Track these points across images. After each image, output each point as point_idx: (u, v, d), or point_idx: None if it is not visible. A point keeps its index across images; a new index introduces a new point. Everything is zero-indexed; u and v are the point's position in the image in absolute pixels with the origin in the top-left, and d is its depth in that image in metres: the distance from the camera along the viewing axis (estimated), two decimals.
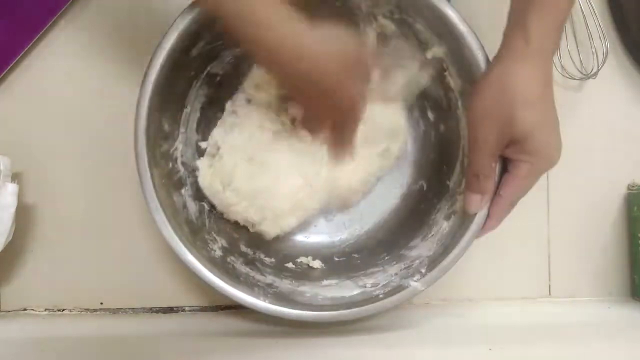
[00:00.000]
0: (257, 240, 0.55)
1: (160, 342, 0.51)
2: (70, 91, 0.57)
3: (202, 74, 0.52)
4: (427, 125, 0.56)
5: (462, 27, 0.48)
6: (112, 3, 0.57)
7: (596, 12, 0.57)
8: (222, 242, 0.52)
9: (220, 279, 0.47)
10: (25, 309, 0.57)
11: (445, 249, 0.49)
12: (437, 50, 0.51)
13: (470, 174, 0.47)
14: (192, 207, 0.52)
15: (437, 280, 0.48)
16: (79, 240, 0.56)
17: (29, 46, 0.55)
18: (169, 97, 0.49)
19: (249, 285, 0.48)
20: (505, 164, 0.46)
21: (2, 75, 0.55)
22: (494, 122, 0.44)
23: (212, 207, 0.54)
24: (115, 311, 0.57)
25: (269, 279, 0.51)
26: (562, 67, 0.58)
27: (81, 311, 0.57)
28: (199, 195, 0.53)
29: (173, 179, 0.51)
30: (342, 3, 0.51)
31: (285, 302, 0.48)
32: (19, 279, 0.56)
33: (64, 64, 0.56)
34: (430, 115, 0.56)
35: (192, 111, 0.53)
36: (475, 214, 0.47)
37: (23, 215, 0.54)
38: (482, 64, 0.48)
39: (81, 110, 0.57)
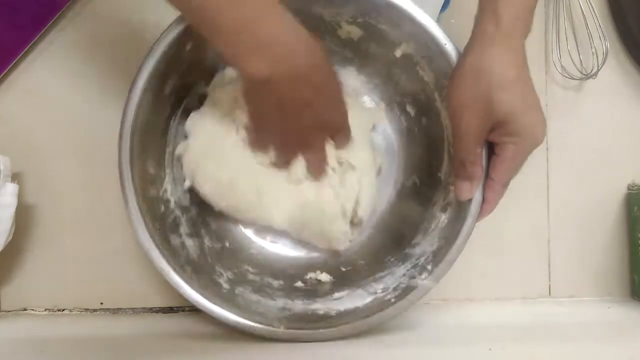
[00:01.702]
0: (263, 263, 0.55)
1: (160, 342, 0.51)
2: (70, 91, 0.57)
3: (178, 110, 0.52)
4: (409, 120, 0.56)
5: (424, 20, 0.48)
6: (112, 3, 0.57)
7: (596, 12, 0.57)
8: (227, 274, 0.52)
9: (231, 312, 0.47)
10: (25, 309, 0.57)
11: (447, 241, 0.49)
12: (405, 47, 0.51)
13: (457, 163, 0.47)
14: (192, 245, 0.51)
15: (445, 274, 0.48)
16: (79, 240, 0.56)
17: (29, 46, 0.55)
18: (149, 140, 0.49)
19: (262, 314, 0.48)
20: (493, 147, 0.47)
21: (2, 75, 0.55)
22: (473, 109, 0.44)
23: (211, 237, 0.54)
24: (115, 311, 0.57)
25: (281, 302, 0.50)
26: (562, 67, 0.58)
27: (81, 311, 0.57)
28: (195, 230, 0.53)
29: (167, 221, 0.50)
30: (306, 15, 0.48)
31: (300, 322, 0.48)
32: (19, 279, 0.56)
33: (64, 64, 0.56)
34: (410, 110, 0.56)
35: (174, 149, 0.53)
36: (470, 203, 0.48)
37: (23, 215, 0.54)
38: (451, 53, 0.48)
39: (81, 110, 0.57)
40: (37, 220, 0.56)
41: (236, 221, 0.55)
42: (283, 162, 0.50)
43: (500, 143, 0.45)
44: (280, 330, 0.47)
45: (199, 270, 0.50)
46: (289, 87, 0.43)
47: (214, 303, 0.47)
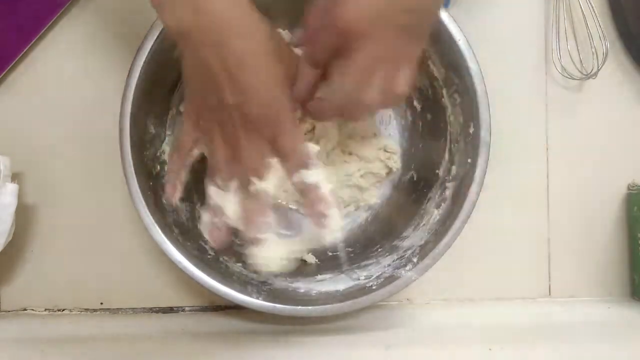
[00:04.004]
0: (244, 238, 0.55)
1: (160, 342, 0.51)
2: (70, 91, 0.57)
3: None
4: (414, 115, 0.57)
5: (442, 15, 0.48)
6: (112, 3, 0.57)
7: (596, 12, 0.57)
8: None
9: (213, 278, 0.47)
10: (25, 309, 0.57)
11: (436, 236, 0.49)
12: None
13: None
14: (182, 209, 0.52)
15: (429, 269, 0.48)
16: (79, 240, 0.56)
17: (29, 46, 0.55)
18: (152, 99, 0.49)
19: (242, 283, 0.49)
20: None
21: (2, 75, 0.55)
22: None
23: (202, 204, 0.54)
24: (115, 311, 0.57)
25: (263, 276, 0.51)
26: (562, 67, 0.58)
27: (81, 311, 0.57)
28: (188, 195, 0.52)
29: (161, 181, 0.51)
30: None
31: (279, 298, 0.48)
32: (19, 279, 0.56)
33: (64, 64, 0.56)
34: (417, 105, 0.56)
35: (177, 113, 0.53)
36: (465, 201, 0.48)
37: (23, 215, 0.54)
38: (464, 50, 0.48)
39: (81, 110, 0.57)
40: (37, 220, 0.56)
41: None
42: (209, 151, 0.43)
43: None
44: (258, 301, 0.47)
45: (186, 233, 0.50)
46: (210, 50, 0.37)
47: (196, 266, 0.47)
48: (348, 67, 0.38)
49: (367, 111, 0.43)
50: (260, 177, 0.41)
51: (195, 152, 0.44)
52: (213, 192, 0.43)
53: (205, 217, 0.45)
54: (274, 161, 0.41)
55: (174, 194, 0.46)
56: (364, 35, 0.37)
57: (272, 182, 0.41)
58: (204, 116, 0.41)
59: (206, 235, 0.45)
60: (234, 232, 0.53)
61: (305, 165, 0.41)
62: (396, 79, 0.40)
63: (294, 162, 0.41)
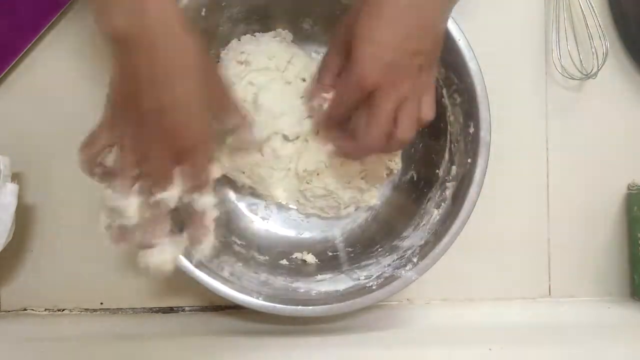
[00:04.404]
0: (250, 238, 0.55)
1: (160, 342, 0.51)
2: (70, 91, 0.57)
3: None
4: None
5: None
6: None
7: (596, 12, 0.57)
8: (214, 242, 0.52)
9: (213, 278, 0.47)
10: (25, 309, 0.57)
11: (436, 236, 0.49)
12: None
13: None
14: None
15: (429, 269, 0.48)
16: (79, 240, 0.56)
17: (29, 46, 0.55)
18: None
19: (243, 283, 0.49)
20: None
21: (2, 75, 0.55)
22: None
23: None
24: (115, 311, 0.57)
25: (263, 276, 0.51)
26: (562, 67, 0.58)
27: (81, 311, 0.57)
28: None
29: None
30: None
31: (279, 298, 0.48)
32: (19, 279, 0.56)
33: (64, 64, 0.56)
34: None
35: None
36: (465, 201, 0.48)
37: (23, 215, 0.55)
38: (464, 50, 0.48)
39: (81, 110, 0.56)
40: (37, 220, 0.56)
41: (235, 189, 0.56)
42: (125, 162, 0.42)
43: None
44: (258, 301, 0.47)
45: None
46: (141, 56, 0.38)
47: (196, 266, 0.47)
48: (376, 116, 0.43)
49: (406, 144, 0.46)
50: (162, 188, 0.41)
51: (104, 153, 0.43)
52: (110, 195, 0.42)
53: (102, 217, 0.43)
54: (177, 171, 0.41)
55: (91, 171, 0.44)
56: (385, 84, 0.42)
57: (173, 194, 0.41)
58: (119, 121, 0.41)
59: (107, 237, 0.43)
60: (234, 233, 0.53)
61: (199, 189, 0.42)
62: (422, 109, 0.44)
63: (191, 183, 0.42)
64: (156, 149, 0.40)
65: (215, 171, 0.44)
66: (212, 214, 0.44)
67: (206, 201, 0.43)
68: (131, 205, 0.41)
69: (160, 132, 0.39)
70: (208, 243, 0.45)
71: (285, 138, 0.52)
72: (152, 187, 0.41)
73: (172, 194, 0.41)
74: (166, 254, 0.44)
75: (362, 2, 0.42)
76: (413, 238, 0.52)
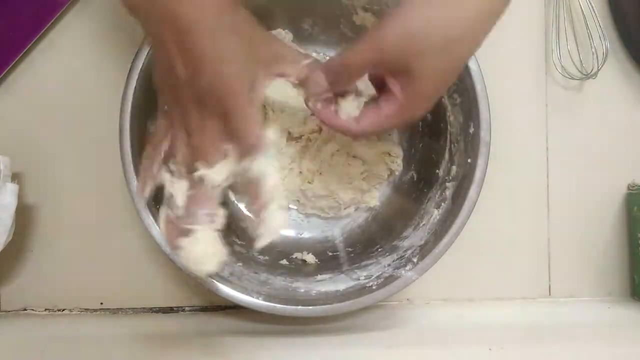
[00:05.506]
0: (250, 237, 0.55)
1: (160, 342, 0.51)
2: (70, 91, 0.57)
3: None
4: None
5: None
6: (112, 3, 0.57)
7: (596, 12, 0.57)
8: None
9: (213, 278, 0.47)
10: (25, 309, 0.57)
11: (436, 236, 0.49)
12: None
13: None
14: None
15: (429, 269, 0.48)
16: (79, 240, 0.56)
17: (29, 46, 0.55)
18: (152, 99, 0.48)
19: (242, 283, 0.49)
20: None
21: (2, 75, 0.55)
22: None
23: None
24: (115, 311, 0.57)
25: (263, 276, 0.51)
26: (562, 67, 0.58)
27: (81, 311, 0.57)
28: None
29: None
30: None
31: (279, 298, 0.48)
32: (19, 279, 0.56)
33: (64, 64, 0.56)
34: None
35: None
36: (465, 201, 0.48)
37: (23, 215, 0.54)
38: None
39: (81, 110, 0.57)
40: (37, 220, 0.56)
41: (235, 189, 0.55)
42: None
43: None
44: (258, 301, 0.47)
45: None
46: (161, 23, 0.35)
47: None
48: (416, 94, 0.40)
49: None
50: (208, 161, 0.38)
51: (165, 145, 0.40)
52: (167, 180, 0.39)
53: (162, 210, 0.40)
54: (230, 148, 0.38)
55: (143, 189, 0.41)
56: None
57: (219, 170, 0.38)
58: (167, 100, 0.39)
59: (162, 231, 0.41)
60: (234, 233, 0.53)
61: (255, 150, 0.38)
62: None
63: (243, 146, 0.38)
64: (200, 117, 0.37)
65: (271, 133, 0.39)
66: (270, 180, 0.38)
67: (261, 166, 0.38)
68: (182, 189, 0.39)
69: (200, 97, 0.37)
70: (276, 220, 0.39)
71: (290, 136, 0.52)
72: (195, 161, 0.38)
73: (218, 171, 0.38)
74: (207, 245, 0.39)
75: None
76: (413, 238, 0.52)
